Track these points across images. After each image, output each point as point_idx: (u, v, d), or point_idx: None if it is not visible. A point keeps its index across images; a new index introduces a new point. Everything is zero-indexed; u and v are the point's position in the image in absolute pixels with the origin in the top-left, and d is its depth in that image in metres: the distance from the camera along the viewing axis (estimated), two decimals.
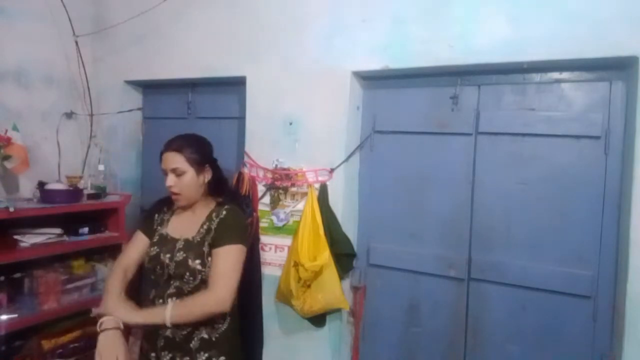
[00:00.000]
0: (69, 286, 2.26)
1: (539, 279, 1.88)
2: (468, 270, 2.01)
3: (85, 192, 2.44)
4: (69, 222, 2.30)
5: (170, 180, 1.62)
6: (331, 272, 2.02)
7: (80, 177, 2.58)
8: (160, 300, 1.59)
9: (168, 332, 1.58)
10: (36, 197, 2.30)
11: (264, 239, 2.26)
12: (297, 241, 2.06)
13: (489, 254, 1.97)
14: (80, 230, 2.33)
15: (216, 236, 1.62)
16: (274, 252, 2.24)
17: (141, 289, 1.73)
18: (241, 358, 1.76)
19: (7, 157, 2.21)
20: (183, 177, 1.62)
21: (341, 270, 2.08)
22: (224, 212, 1.67)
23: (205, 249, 1.61)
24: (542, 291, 1.88)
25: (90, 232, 2.37)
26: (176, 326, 1.55)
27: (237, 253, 1.59)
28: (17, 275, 2.13)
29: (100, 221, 2.45)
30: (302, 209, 2.13)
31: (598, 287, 1.80)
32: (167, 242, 1.65)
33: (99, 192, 2.48)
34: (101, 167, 2.63)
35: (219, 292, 1.52)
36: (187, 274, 1.57)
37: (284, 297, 2.12)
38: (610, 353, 1.77)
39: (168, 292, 1.59)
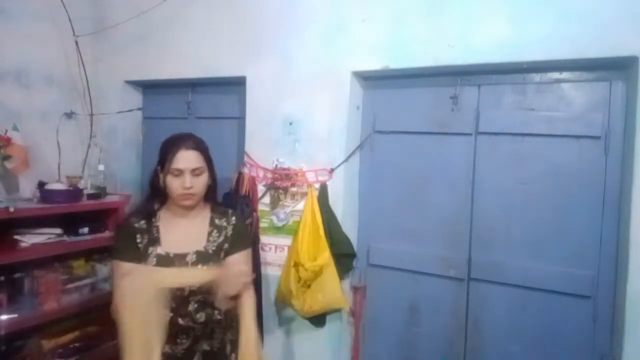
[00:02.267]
0: (69, 286, 2.26)
1: (539, 279, 1.88)
2: (468, 270, 2.01)
3: (85, 192, 2.43)
4: (69, 222, 2.29)
5: (189, 180, 1.50)
6: (331, 272, 2.01)
7: (80, 177, 2.58)
8: (188, 319, 1.51)
9: (167, 348, 1.49)
10: (36, 197, 2.30)
11: (264, 239, 2.26)
12: (297, 241, 2.06)
13: (489, 254, 1.97)
14: (80, 230, 2.33)
15: (233, 242, 1.59)
16: (274, 252, 2.24)
17: None
18: None
19: (7, 157, 2.21)
20: (200, 177, 1.54)
21: (341, 271, 2.08)
22: (234, 218, 1.65)
23: (222, 255, 1.57)
24: (542, 291, 1.88)
25: (90, 232, 2.37)
26: (174, 342, 1.50)
27: (250, 255, 1.65)
28: (17, 275, 2.13)
29: (100, 221, 2.44)
30: (302, 209, 2.13)
31: (598, 287, 1.80)
32: (171, 261, 1.52)
33: (99, 192, 2.48)
34: (101, 167, 2.63)
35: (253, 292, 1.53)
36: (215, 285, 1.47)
37: (284, 297, 2.11)
38: (610, 353, 1.77)
39: (189, 309, 1.50)
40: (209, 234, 1.59)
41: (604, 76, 1.80)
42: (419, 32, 1.95)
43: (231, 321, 1.61)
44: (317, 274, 2.00)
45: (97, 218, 2.44)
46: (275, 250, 2.24)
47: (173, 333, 1.53)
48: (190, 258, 1.52)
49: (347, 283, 2.19)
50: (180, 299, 1.52)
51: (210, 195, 1.65)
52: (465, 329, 2.02)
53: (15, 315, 2.03)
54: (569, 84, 1.86)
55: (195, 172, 1.52)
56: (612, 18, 1.65)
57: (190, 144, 1.54)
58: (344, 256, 2.11)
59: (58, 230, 2.23)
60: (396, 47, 1.99)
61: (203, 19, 2.43)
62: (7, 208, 1.96)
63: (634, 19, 1.62)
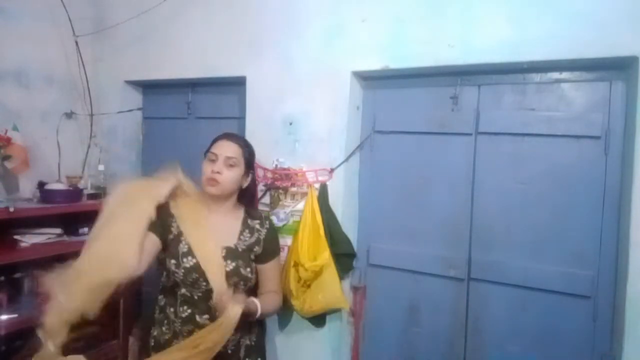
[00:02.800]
0: None
1: (539, 279, 1.88)
2: (468, 270, 2.01)
3: (85, 192, 2.44)
4: (69, 222, 2.30)
5: (219, 166, 1.60)
6: (331, 272, 2.01)
7: (80, 177, 2.58)
8: (206, 317, 1.54)
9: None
10: (36, 197, 2.31)
11: None
12: (297, 241, 2.05)
13: (489, 254, 1.97)
14: (80, 230, 2.33)
15: (266, 248, 1.72)
16: None
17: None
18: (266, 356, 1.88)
19: (7, 157, 2.21)
20: (232, 169, 1.62)
21: (341, 270, 2.08)
22: (268, 222, 1.78)
23: (252, 256, 1.66)
24: (542, 291, 1.87)
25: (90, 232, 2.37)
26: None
27: (280, 260, 1.86)
28: (17, 275, 2.13)
29: None
30: (302, 209, 2.13)
31: (598, 287, 1.80)
32: None
33: (99, 192, 2.48)
34: (101, 167, 2.63)
35: (282, 296, 1.81)
36: (241, 282, 1.59)
37: (283, 297, 2.11)
38: (610, 353, 1.77)
39: (210, 304, 1.52)
40: (241, 232, 1.68)
41: (604, 76, 1.79)
42: (419, 32, 1.95)
43: (250, 325, 1.64)
44: (317, 274, 2.00)
45: (97, 218, 2.43)
46: None
47: (189, 329, 1.54)
48: (221, 252, 1.60)
49: (347, 283, 2.19)
50: (204, 291, 1.53)
51: (247, 199, 1.77)
52: (465, 329, 2.02)
53: (15, 315, 2.03)
54: (569, 84, 1.86)
55: (228, 162, 1.61)
56: (612, 18, 1.65)
57: (233, 137, 1.69)
58: (344, 256, 2.11)
59: (58, 230, 2.23)
60: (396, 47, 1.99)
61: (203, 19, 2.43)
62: (7, 208, 1.96)
63: (634, 19, 1.62)
